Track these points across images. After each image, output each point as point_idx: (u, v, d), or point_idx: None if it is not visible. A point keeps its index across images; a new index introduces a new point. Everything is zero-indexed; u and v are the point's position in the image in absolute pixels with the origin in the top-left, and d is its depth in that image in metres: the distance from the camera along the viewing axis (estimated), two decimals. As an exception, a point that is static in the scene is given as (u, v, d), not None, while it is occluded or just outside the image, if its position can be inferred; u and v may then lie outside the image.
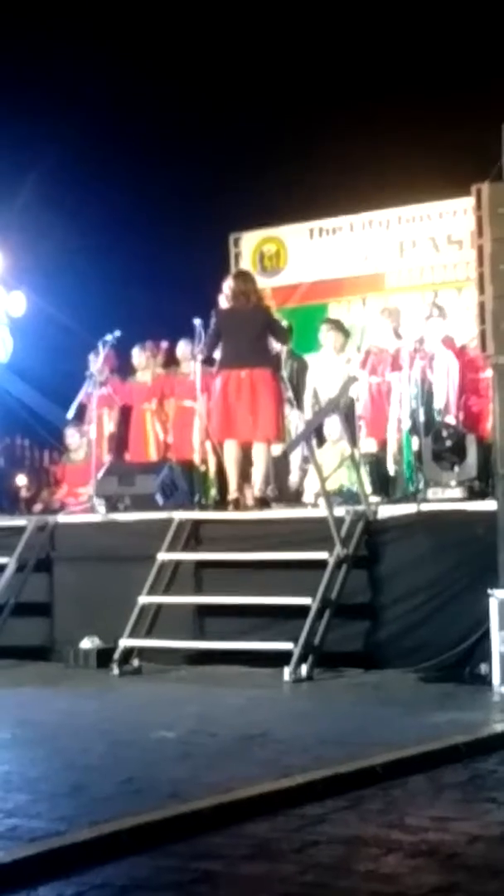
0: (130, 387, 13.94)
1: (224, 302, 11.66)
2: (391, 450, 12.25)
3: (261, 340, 11.45)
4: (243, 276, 12.09)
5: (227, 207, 16.84)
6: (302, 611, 9.61)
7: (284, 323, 13.32)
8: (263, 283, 15.12)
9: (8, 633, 11.03)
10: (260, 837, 5.00)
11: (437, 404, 11.91)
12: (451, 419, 11.67)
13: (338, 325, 13.37)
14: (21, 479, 18.32)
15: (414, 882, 4.37)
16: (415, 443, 11.48)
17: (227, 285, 11.64)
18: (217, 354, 11.65)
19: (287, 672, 9.33)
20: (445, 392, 11.95)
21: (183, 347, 13.35)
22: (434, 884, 4.34)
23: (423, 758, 6.33)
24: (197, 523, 10.96)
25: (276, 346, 12.07)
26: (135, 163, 18.94)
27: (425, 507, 10.06)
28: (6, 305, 13.34)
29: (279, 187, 17.14)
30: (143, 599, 10.44)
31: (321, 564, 9.80)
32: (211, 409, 11.66)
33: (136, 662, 10.24)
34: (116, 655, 10.18)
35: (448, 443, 10.35)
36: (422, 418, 11.42)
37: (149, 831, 4.98)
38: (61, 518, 11.85)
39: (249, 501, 11.34)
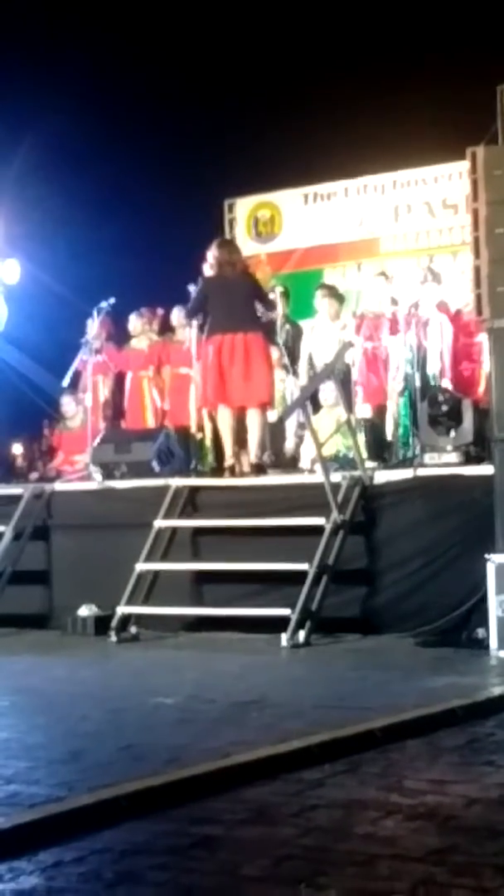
0: (126, 354, 13.94)
1: (209, 270, 11.63)
2: (391, 414, 12.25)
3: (249, 306, 11.43)
4: (228, 246, 12.06)
5: (222, 173, 16.81)
6: (299, 576, 9.63)
7: (279, 288, 13.33)
8: (258, 248, 15.16)
9: (5, 601, 11.04)
10: (259, 802, 5.02)
11: (432, 369, 11.91)
12: (446, 383, 11.67)
13: (333, 292, 13.35)
14: (17, 448, 18.30)
15: (412, 844, 4.39)
16: (409, 407, 11.50)
17: (212, 254, 11.61)
18: (196, 321, 11.71)
19: (284, 638, 9.35)
20: (440, 357, 11.94)
21: (177, 314, 13.34)
22: (432, 846, 4.35)
23: (421, 722, 6.34)
24: (193, 490, 10.96)
25: (267, 313, 12.04)
26: (128, 130, 18.89)
27: (422, 472, 10.06)
28: (0, 273, 13.29)
29: (273, 152, 17.10)
30: (140, 566, 10.45)
31: (318, 530, 9.81)
32: (204, 375, 11.65)
33: (133, 629, 10.26)
34: (114, 623, 10.20)
35: (444, 407, 10.34)
36: (417, 383, 11.41)
37: (148, 796, 4.99)
38: (58, 486, 11.84)
39: (246, 468, 11.35)
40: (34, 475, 14.70)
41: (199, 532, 10.75)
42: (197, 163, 18.07)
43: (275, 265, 15.29)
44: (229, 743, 5.88)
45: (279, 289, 13.48)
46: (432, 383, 11.66)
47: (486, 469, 9.46)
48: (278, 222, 15.92)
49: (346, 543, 9.85)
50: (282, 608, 9.60)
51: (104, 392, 13.83)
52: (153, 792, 5.04)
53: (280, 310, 12.88)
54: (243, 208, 16.10)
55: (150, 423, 13.55)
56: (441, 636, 9.22)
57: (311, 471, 11.25)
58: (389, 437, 12.31)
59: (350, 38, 17.76)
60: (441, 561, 9.59)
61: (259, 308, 11.64)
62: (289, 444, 12.87)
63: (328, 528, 9.79)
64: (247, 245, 14.93)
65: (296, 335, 13.09)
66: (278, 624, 9.48)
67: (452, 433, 10.31)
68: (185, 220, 17.13)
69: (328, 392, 11.91)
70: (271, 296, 12.53)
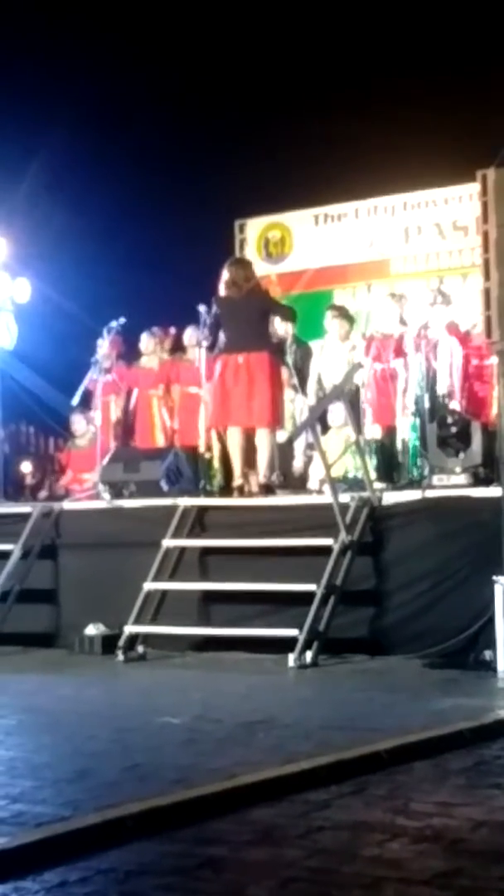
0: (136, 372, 13.96)
1: (222, 289, 11.65)
2: (400, 435, 12.26)
3: (258, 326, 11.44)
4: (236, 264, 12.07)
5: (233, 194, 16.82)
6: (307, 597, 9.62)
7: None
8: (269, 269, 15.19)
9: (13, 619, 11.05)
10: (265, 823, 5.01)
11: (441, 390, 11.91)
12: (455, 405, 11.67)
13: (343, 312, 13.36)
14: (26, 466, 18.32)
15: (418, 867, 4.38)
16: (419, 429, 11.50)
17: (223, 273, 11.63)
18: (206, 342, 11.76)
19: (292, 658, 9.34)
20: (449, 378, 11.94)
21: (190, 334, 13.36)
22: (438, 869, 4.34)
23: (428, 744, 6.33)
24: (202, 510, 10.96)
25: (281, 326, 12.05)
26: (140, 149, 18.91)
27: (430, 493, 10.06)
28: (11, 292, 13.33)
29: (284, 173, 17.11)
30: (148, 586, 10.45)
31: (326, 551, 9.81)
32: (210, 395, 11.67)
33: (140, 649, 10.26)
34: (121, 642, 10.20)
35: (453, 429, 10.35)
36: (426, 404, 11.42)
37: (154, 817, 4.99)
38: (66, 505, 11.86)
39: (254, 488, 11.35)
40: (43, 494, 14.72)
41: (207, 552, 10.75)
42: (208, 183, 18.09)
43: (285, 286, 15.33)
44: (235, 763, 5.88)
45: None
46: (442, 404, 11.66)
47: (494, 491, 9.46)
48: (289, 243, 15.97)
49: (354, 564, 9.85)
50: (289, 628, 9.60)
51: (115, 412, 13.85)
52: (159, 812, 5.04)
53: (290, 328, 12.91)
54: (254, 229, 16.15)
55: (160, 442, 13.57)
56: (448, 658, 9.21)
57: (320, 491, 11.25)
58: (399, 458, 12.29)
59: (361, 60, 17.79)
60: (449, 583, 9.58)
61: (274, 322, 11.65)
62: (297, 465, 12.87)
63: (336, 548, 9.78)
64: (257, 266, 14.91)
65: (305, 355, 13.11)
66: (286, 644, 9.47)
67: (461, 455, 10.31)
68: (195, 240, 17.15)
69: (337, 413, 11.92)
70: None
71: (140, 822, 4.91)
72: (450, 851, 4.56)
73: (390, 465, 12.31)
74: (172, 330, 13.95)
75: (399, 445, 12.28)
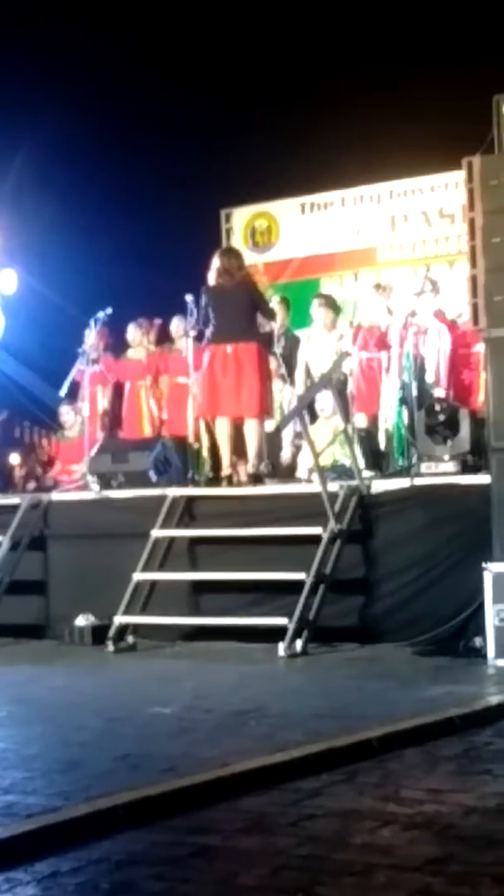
0: (125, 364, 13.94)
1: (212, 278, 11.62)
2: (382, 425, 12.26)
3: (247, 316, 11.41)
4: (228, 253, 12.04)
5: (219, 183, 16.81)
6: (296, 586, 9.62)
7: (277, 298, 13.34)
8: (255, 258, 15.16)
9: (2, 611, 11.03)
10: (256, 811, 5.01)
11: (429, 378, 11.91)
12: (440, 392, 11.67)
13: (329, 301, 13.34)
14: (14, 458, 18.31)
15: (410, 854, 4.39)
16: (406, 417, 11.49)
17: (214, 262, 11.61)
18: (192, 332, 11.74)
19: (282, 647, 9.34)
20: (437, 366, 11.94)
21: (176, 324, 13.35)
22: (430, 855, 4.35)
23: (419, 731, 6.34)
24: (191, 500, 10.96)
25: (265, 322, 12.04)
26: (125, 140, 18.90)
27: (419, 481, 10.06)
28: (-3, 284, 13.30)
29: (270, 163, 17.11)
30: (138, 576, 10.44)
31: (315, 539, 9.81)
32: (199, 385, 11.65)
33: (130, 639, 10.26)
34: (111, 632, 10.20)
35: (441, 417, 10.34)
36: (414, 392, 11.42)
37: (145, 806, 4.99)
38: (55, 496, 11.84)
39: (243, 477, 11.35)
40: (31, 485, 14.70)
41: (196, 542, 10.75)
42: (194, 173, 18.08)
43: (272, 275, 15.32)
44: (226, 752, 5.88)
45: (276, 298, 13.51)
46: (430, 392, 11.66)
47: (482, 478, 9.46)
48: (275, 232, 15.95)
49: (344, 553, 9.85)
50: (279, 618, 9.60)
51: (103, 402, 13.84)
52: (150, 802, 5.04)
53: (279, 320, 12.91)
54: (240, 218, 16.12)
55: (148, 432, 13.56)
56: (438, 645, 9.22)
57: (309, 480, 11.25)
58: (382, 446, 12.30)
59: (346, 49, 17.78)
60: (438, 570, 9.59)
61: (260, 318, 11.64)
62: (286, 454, 12.87)
63: (325, 537, 9.79)
64: (244, 255, 14.92)
65: (292, 345, 13.10)
66: (275, 633, 9.47)
67: (449, 442, 10.30)
68: (182, 230, 17.14)
69: (325, 402, 11.91)
70: (271, 304, 12.54)
71: (131, 812, 4.91)
72: (441, 838, 4.58)
73: (377, 453, 12.31)
74: (157, 321, 13.93)
75: (383, 434, 12.29)
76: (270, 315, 12.12)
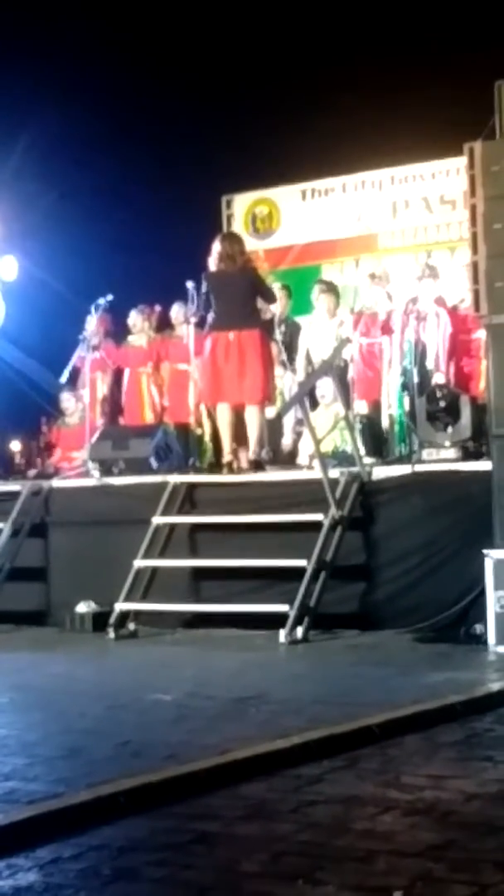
0: (125, 350, 13.93)
1: (213, 264, 11.60)
2: (386, 410, 12.25)
3: (249, 302, 11.38)
4: (230, 238, 12.00)
5: (220, 169, 16.78)
6: (297, 573, 9.62)
7: (278, 285, 13.29)
8: (256, 245, 15.13)
9: (4, 598, 11.04)
10: (257, 798, 5.02)
11: (430, 365, 11.90)
12: (440, 377, 11.65)
13: (330, 288, 13.33)
14: (15, 445, 18.30)
15: (410, 840, 4.39)
16: (406, 403, 11.49)
17: (214, 248, 11.57)
18: (194, 318, 11.71)
19: (283, 634, 9.35)
20: (437, 352, 11.93)
21: (176, 310, 13.33)
22: (430, 842, 4.35)
23: (419, 717, 6.34)
24: (192, 486, 10.95)
25: (266, 307, 12.02)
26: (126, 126, 18.86)
27: (420, 467, 10.05)
28: (-2, 270, 13.28)
29: (271, 148, 17.07)
30: (139, 563, 10.44)
31: (316, 526, 9.81)
32: (201, 371, 11.63)
33: (131, 626, 10.27)
34: (112, 619, 10.20)
35: (442, 403, 10.33)
36: (415, 379, 11.41)
37: (146, 793, 4.99)
38: (56, 483, 11.84)
39: (244, 464, 11.34)
40: (32, 472, 14.69)
41: (197, 528, 10.75)
42: (195, 159, 18.05)
43: (273, 261, 15.28)
44: (227, 739, 5.88)
45: (277, 284, 13.47)
46: (430, 379, 11.64)
47: (484, 465, 9.46)
48: (276, 218, 15.92)
49: (345, 539, 9.85)
50: (280, 604, 9.60)
51: (103, 389, 13.83)
52: (151, 788, 5.05)
53: (280, 307, 12.87)
54: (241, 204, 16.09)
55: (149, 419, 13.55)
56: (439, 632, 9.23)
57: (310, 467, 11.24)
58: (386, 433, 12.29)
59: (347, 34, 17.74)
60: (439, 557, 9.60)
61: (261, 303, 11.61)
62: (286, 441, 12.86)
63: (326, 524, 9.79)
64: (245, 241, 14.90)
65: (293, 331, 13.08)
66: (276, 620, 9.48)
67: (450, 429, 10.30)
68: (183, 216, 17.11)
69: (326, 388, 11.90)
70: (278, 285, 12.52)
71: (132, 799, 4.91)
72: (442, 824, 4.58)
73: (378, 439, 12.30)
74: (158, 307, 13.91)
75: (385, 420, 12.28)
76: (272, 298, 12.09)
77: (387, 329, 12.34)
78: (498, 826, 4.52)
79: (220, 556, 10.31)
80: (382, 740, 5.94)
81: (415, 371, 11.50)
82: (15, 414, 15.55)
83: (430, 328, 11.97)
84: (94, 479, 11.58)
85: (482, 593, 8.89)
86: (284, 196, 15.91)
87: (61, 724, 6.62)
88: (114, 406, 13.96)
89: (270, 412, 11.90)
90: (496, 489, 9.10)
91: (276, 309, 12.66)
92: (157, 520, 10.64)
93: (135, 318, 13.89)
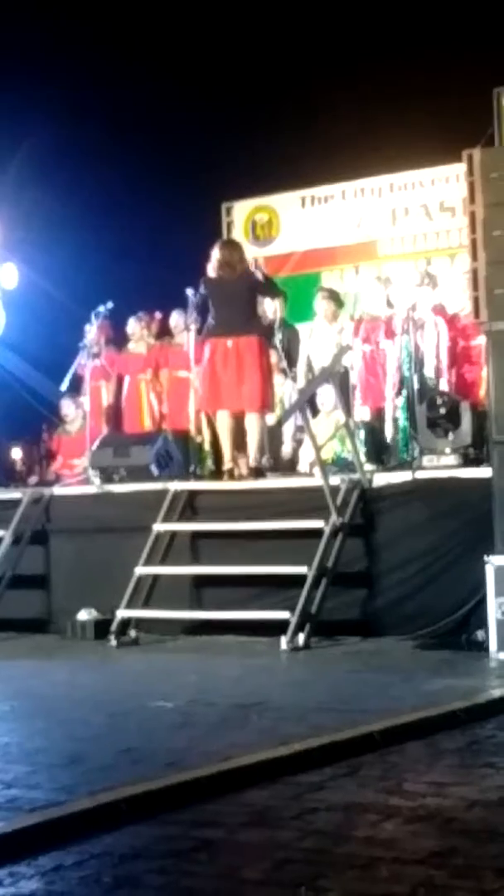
0: (125, 357, 13.93)
1: (212, 271, 11.60)
2: (389, 417, 12.25)
3: (248, 309, 11.38)
4: (228, 245, 12.00)
5: (219, 176, 16.79)
6: (298, 580, 9.63)
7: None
8: (256, 252, 15.12)
9: (5, 605, 11.04)
10: (258, 805, 5.02)
11: (429, 372, 11.91)
12: (443, 384, 11.66)
13: (332, 295, 13.33)
14: (16, 452, 18.29)
15: (412, 847, 4.39)
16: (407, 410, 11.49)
17: (214, 254, 11.57)
18: (194, 325, 11.73)
19: (284, 641, 9.35)
20: (436, 360, 11.93)
21: (176, 318, 13.34)
22: (432, 848, 4.35)
23: (421, 724, 6.35)
24: (192, 494, 10.96)
25: (270, 307, 12.00)
26: (126, 134, 18.87)
27: (420, 474, 10.06)
28: (-2, 278, 13.30)
29: (271, 156, 17.09)
30: (140, 570, 10.45)
31: (317, 533, 9.81)
32: (200, 378, 11.64)
33: (133, 633, 10.27)
34: (114, 626, 10.21)
35: (442, 410, 10.33)
36: (415, 386, 11.41)
37: (148, 800, 4.99)
38: (57, 490, 11.84)
39: (244, 471, 11.34)
40: (33, 479, 14.70)
41: (197, 536, 10.75)
42: (195, 166, 18.07)
43: (272, 268, 15.25)
44: (229, 746, 5.89)
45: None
46: (430, 386, 11.65)
47: (484, 471, 9.46)
48: (276, 225, 15.92)
49: (345, 546, 9.85)
50: (281, 611, 9.61)
51: (107, 397, 13.82)
52: (153, 795, 5.05)
53: (279, 311, 12.87)
54: (241, 212, 16.09)
55: (148, 426, 13.54)
56: (440, 638, 9.23)
57: (310, 474, 11.24)
58: (388, 439, 12.28)
59: (347, 42, 17.76)
60: (440, 563, 9.60)
61: (263, 303, 11.59)
62: (287, 448, 12.86)
63: (327, 531, 9.79)
64: (245, 249, 14.91)
65: (292, 338, 13.09)
66: (278, 627, 9.48)
67: (451, 436, 10.31)
68: (182, 223, 17.12)
69: (326, 395, 11.90)
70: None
71: (134, 806, 4.91)
72: (444, 831, 4.58)
73: (380, 447, 12.30)
74: (158, 314, 13.92)
75: (390, 426, 12.27)
76: (276, 293, 12.08)
77: (389, 334, 12.34)
78: (500, 833, 4.53)
79: (222, 563, 10.32)
80: (384, 747, 5.94)
81: (415, 378, 11.51)
82: (15, 421, 15.53)
83: (427, 337, 11.97)
84: (95, 487, 11.59)
85: (483, 600, 8.89)
86: (284, 203, 15.91)
87: (63, 732, 6.62)
88: (116, 414, 13.96)
89: (271, 419, 11.91)
90: (497, 496, 9.09)
91: (278, 311, 12.66)
92: (158, 527, 10.65)
93: (133, 326, 13.90)
